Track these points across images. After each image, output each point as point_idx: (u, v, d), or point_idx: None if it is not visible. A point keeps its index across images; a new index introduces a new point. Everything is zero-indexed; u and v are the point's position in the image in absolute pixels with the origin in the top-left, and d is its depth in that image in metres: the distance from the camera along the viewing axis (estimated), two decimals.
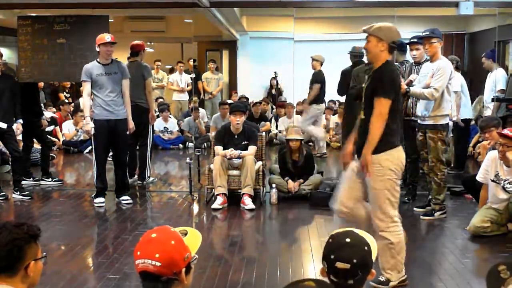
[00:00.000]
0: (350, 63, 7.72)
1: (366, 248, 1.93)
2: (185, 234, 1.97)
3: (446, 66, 5.36)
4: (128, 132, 6.33)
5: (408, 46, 6.42)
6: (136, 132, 6.69)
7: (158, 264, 1.81)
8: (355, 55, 6.97)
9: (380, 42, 3.65)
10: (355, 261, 1.87)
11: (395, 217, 3.71)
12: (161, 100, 11.41)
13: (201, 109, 11.28)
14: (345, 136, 6.81)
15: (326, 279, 1.96)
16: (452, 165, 7.76)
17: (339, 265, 1.87)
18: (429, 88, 5.33)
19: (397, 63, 6.58)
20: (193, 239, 1.97)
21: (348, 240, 1.92)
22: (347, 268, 1.86)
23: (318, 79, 8.93)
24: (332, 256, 1.89)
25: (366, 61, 6.55)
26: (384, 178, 3.63)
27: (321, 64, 8.98)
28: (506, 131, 4.95)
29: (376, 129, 3.61)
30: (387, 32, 3.68)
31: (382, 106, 3.60)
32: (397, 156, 3.68)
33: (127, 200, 6.29)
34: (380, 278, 3.74)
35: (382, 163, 3.63)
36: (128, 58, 7.40)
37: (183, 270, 1.87)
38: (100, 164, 6.23)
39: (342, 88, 6.74)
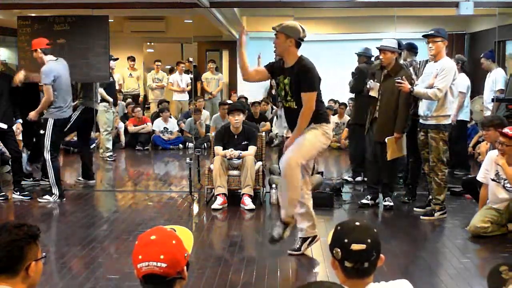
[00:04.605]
0: (349, 62, 7.64)
1: (375, 230, 1.96)
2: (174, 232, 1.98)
3: (450, 66, 5.35)
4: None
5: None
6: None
7: (164, 265, 1.82)
8: (369, 56, 7.10)
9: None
10: (369, 241, 1.89)
11: None
12: (165, 103, 11.38)
13: (204, 111, 11.27)
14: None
15: (336, 274, 1.96)
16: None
17: (355, 246, 1.88)
18: (432, 88, 5.32)
19: (406, 62, 6.53)
20: (185, 236, 1.98)
21: (357, 223, 1.96)
22: (363, 249, 1.88)
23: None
24: (346, 240, 1.90)
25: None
26: None
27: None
28: (506, 130, 4.95)
29: None
30: None
31: None
32: None
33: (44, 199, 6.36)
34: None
35: None
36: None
37: (185, 268, 1.89)
38: None
39: (357, 85, 6.80)
